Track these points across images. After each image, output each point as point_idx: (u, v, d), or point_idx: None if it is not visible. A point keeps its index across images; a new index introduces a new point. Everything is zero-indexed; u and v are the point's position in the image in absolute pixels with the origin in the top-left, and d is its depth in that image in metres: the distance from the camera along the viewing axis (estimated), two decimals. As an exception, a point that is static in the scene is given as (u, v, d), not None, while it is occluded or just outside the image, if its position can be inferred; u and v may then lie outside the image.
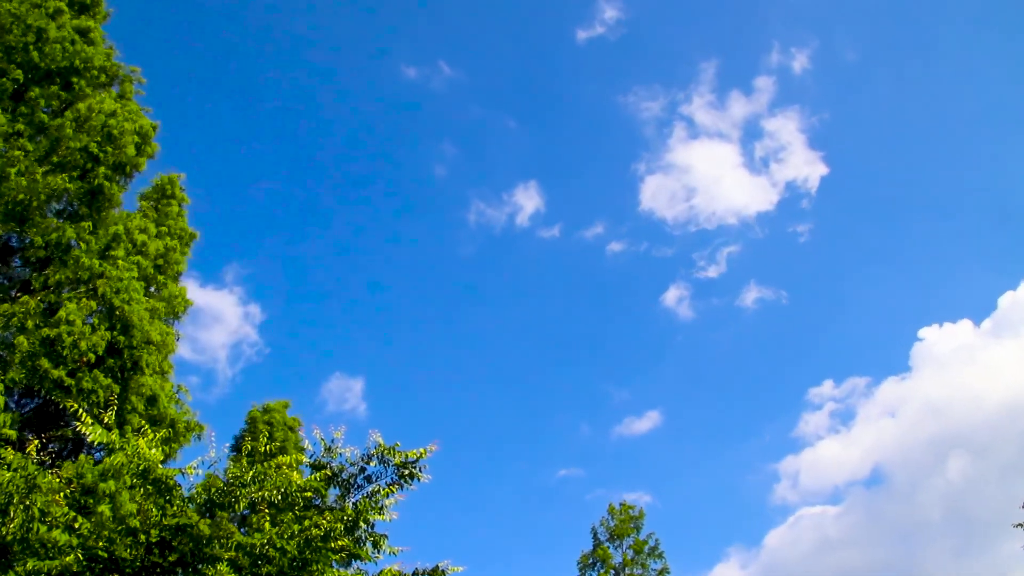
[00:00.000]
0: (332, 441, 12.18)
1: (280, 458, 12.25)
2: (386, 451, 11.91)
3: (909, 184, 78.68)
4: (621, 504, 38.45)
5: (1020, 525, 20.92)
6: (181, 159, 72.74)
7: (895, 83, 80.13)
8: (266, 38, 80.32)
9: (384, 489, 11.90)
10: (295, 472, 11.86)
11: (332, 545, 11.14)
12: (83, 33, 18.55)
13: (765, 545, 59.91)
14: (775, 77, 76.40)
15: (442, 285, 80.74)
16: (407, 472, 11.92)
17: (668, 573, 36.20)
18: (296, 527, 11.30)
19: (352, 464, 12.09)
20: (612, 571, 36.33)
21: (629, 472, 66.79)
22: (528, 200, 78.30)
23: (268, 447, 12.63)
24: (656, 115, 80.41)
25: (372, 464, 12.03)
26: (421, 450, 11.91)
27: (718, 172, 74.24)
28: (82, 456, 15.62)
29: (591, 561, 36.94)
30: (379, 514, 11.79)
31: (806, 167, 75.92)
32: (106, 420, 11.16)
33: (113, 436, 10.82)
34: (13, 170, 16.12)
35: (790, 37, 78.33)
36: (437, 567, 11.99)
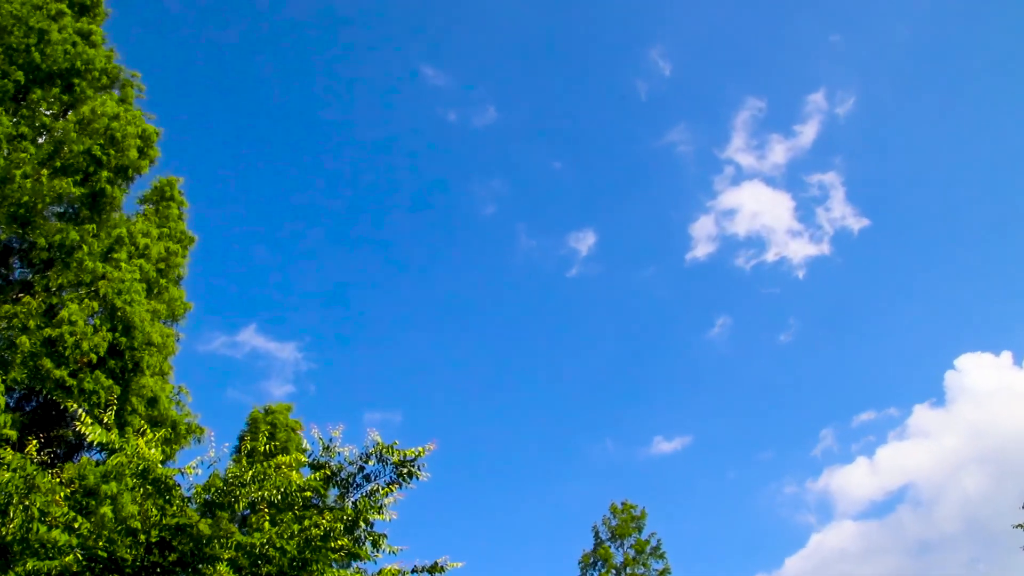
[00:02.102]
0: (330, 440, 12.21)
1: (280, 458, 12.29)
2: (384, 450, 11.93)
3: (948, 222, 79.25)
4: (623, 503, 38.32)
5: (1020, 526, 20.91)
6: (223, 194, 73.86)
7: (934, 122, 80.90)
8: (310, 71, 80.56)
9: (383, 488, 11.92)
10: (295, 472, 11.91)
11: (332, 545, 11.15)
12: (85, 36, 18.61)
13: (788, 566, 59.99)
14: (818, 121, 77.20)
15: (485, 315, 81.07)
16: (406, 471, 11.96)
17: (669, 573, 36.14)
18: (296, 527, 11.31)
19: (351, 463, 12.12)
20: (613, 571, 36.27)
21: (650, 489, 67.08)
22: (576, 239, 79.77)
23: (268, 447, 12.66)
24: (701, 158, 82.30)
25: (371, 463, 12.06)
26: (419, 449, 11.94)
27: (762, 214, 75.25)
28: (84, 458, 15.71)
29: (592, 560, 36.88)
30: (378, 513, 11.82)
31: (847, 209, 76.83)
32: (106, 420, 11.21)
33: (113, 436, 10.86)
34: (19, 172, 16.19)
35: (835, 82, 79.12)
36: (436, 563, 11.99)
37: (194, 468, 11.55)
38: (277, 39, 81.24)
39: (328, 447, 12.20)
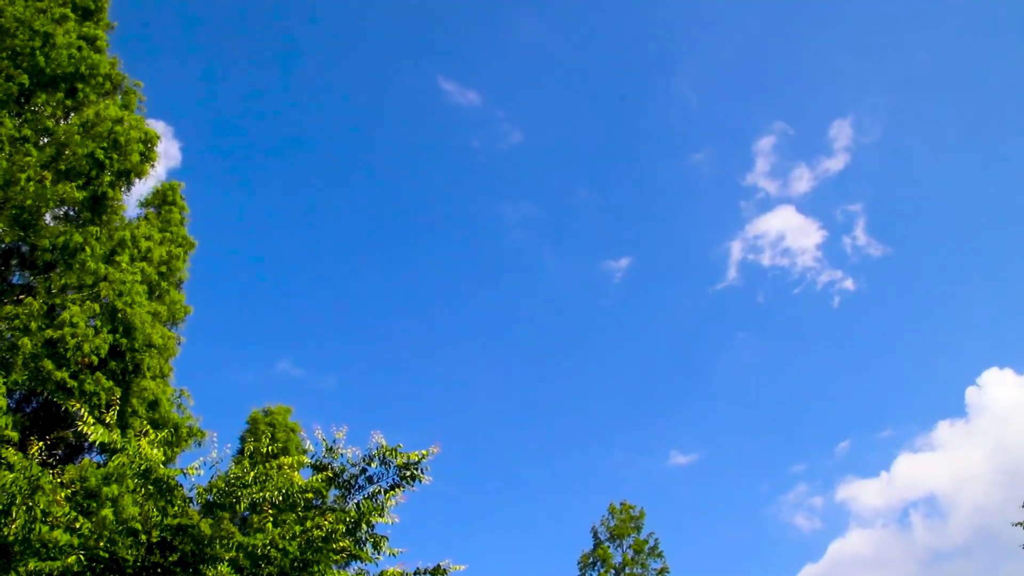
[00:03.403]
0: (334, 442, 12.24)
1: (282, 459, 12.35)
2: (388, 452, 11.96)
3: (973, 250, 79.66)
4: (622, 504, 38.34)
5: (1019, 524, 20.99)
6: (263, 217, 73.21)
7: (956, 144, 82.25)
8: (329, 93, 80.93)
9: (386, 490, 11.98)
10: (296, 473, 11.98)
11: (334, 546, 11.18)
12: (90, 41, 18.67)
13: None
14: (843, 148, 78.50)
15: (509, 333, 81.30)
16: (409, 474, 12.00)
17: (668, 573, 36.23)
18: (298, 528, 11.39)
19: (353, 465, 12.16)
20: (612, 571, 36.33)
21: (667, 499, 67.42)
22: (603, 263, 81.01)
23: (270, 448, 12.72)
24: (727, 183, 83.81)
25: (374, 465, 12.09)
26: (423, 452, 11.98)
27: (788, 240, 76.77)
28: (85, 460, 15.78)
29: (591, 560, 36.93)
30: (380, 516, 11.85)
31: (870, 235, 77.94)
32: (108, 421, 11.30)
33: (115, 436, 10.92)
34: (23, 175, 16.26)
35: (859, 109, 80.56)
36: (439, 566, 12.04)
37: (196, 469, 11.60)
38: (305, 59, 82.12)
39: (331, 448, 12.22)
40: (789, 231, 75.67)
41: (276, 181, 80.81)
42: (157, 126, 19.80)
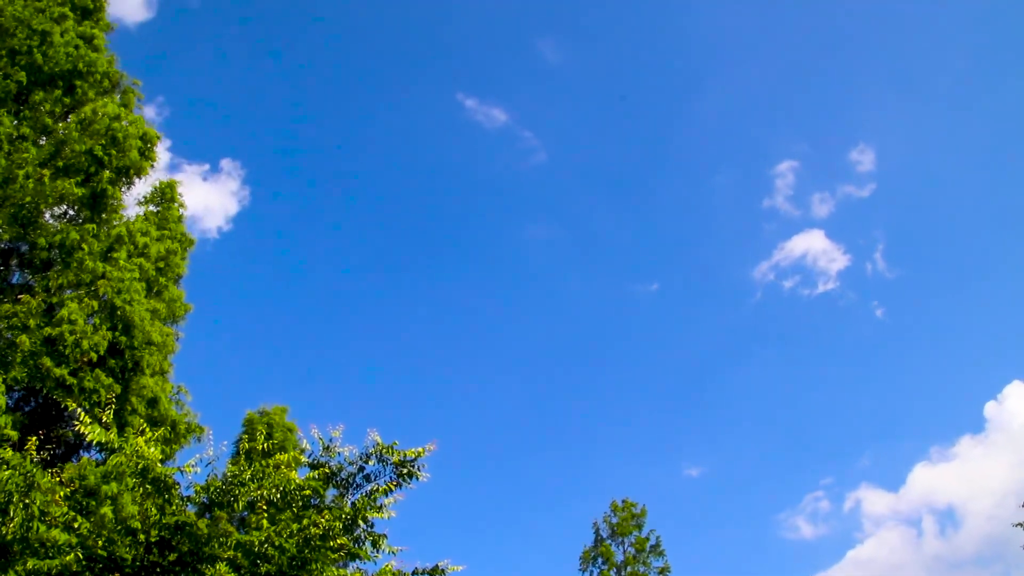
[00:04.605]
0: (330, 440, 12.21)
1: (278, 456, 12.32)
2: (384, 450, 11.94)
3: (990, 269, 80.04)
4: (624, 501, 38.25)
5: (1019, 525, 20.91)
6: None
7: (975, 165, 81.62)
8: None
9: (383, 488, 11.94)
10: (292, 472, 11.95)
11: (331, 544, 11.16)
12: (87, 39, 18.66)
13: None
14: (863, 172, 78.58)
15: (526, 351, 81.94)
16: (406, 471, 11.97)
17: (669, 571, 36.18)
18: (295, 526, 11.38)
19: (351, 463, 12.13)
20: (614, 568, 36.29)
21: (681, 509, 67.62)
22: (633, 281, 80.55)
23: (266, 445, 12.68)
24: (749, 206, 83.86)
25: (371, 463, 12.07)
26: (419, 449, 11.95)
27: (811, 260, 76.48)
28: (84, 458, 15.78)
29: (593, 557, 36.92)
30: (377, 512, 11.86)
31: (890, 257, 78.41)
32: (104, 419, 11.28)
33: (112, 435, 10.91)
34: (21, 173, 16.26)
35: (879, 133, 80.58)
36: (437, 566, 12.02)
37: (193, 466, 11.58)
38: (325, 74, 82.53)
39: (328, 447, 12.20)
40: (812, 254, 76.23)
41: (291, 191, 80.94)
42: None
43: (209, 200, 64.53)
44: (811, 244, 78.32)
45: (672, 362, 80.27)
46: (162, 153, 19.42)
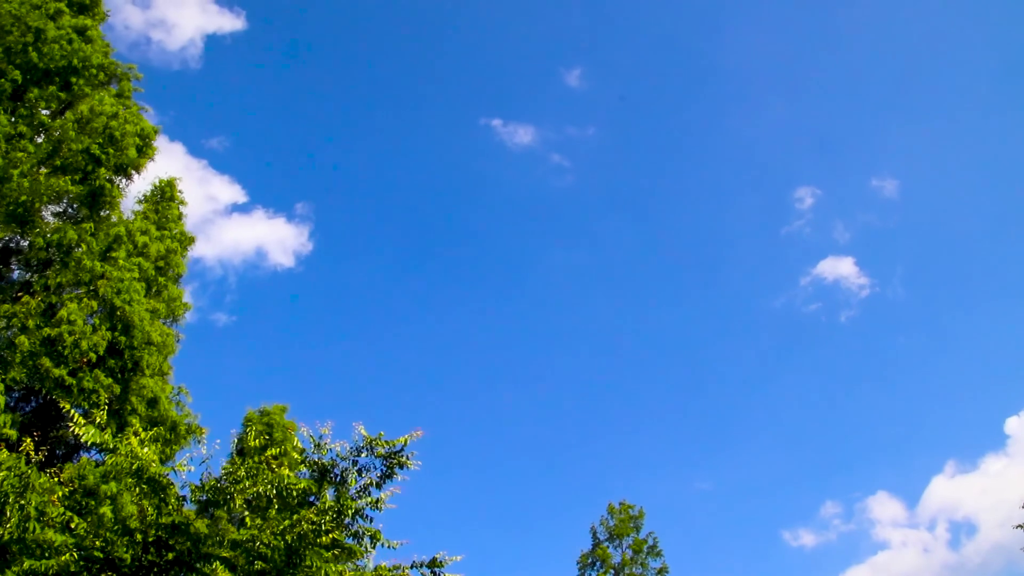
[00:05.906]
0: (320, 437, 12.21)
1: (270, 451, 12.29)
2: (372, 442, 11.97)
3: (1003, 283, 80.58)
4: (621, 503, 38.22)
5: (1020, 527, 20.89)
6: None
7: (992, 185, 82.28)
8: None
9: (376, 481, 11.95)
10: (285, 469, 11.92)
11: (324, 540, 11.12)
12: (80, 31, 18.57)
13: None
14: (881, 198, 79.48)
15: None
16: (395, 462, 11.99)
17: (667, 572, 36.14)
18: (287, 522, 11.33)
19: (343, 458, 12.12)
20: (611, 571, 36.22)
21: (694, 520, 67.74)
22: (651, 306, 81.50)
23: (258, 441, 12.60)
24: (769, 231, 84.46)
25: (363, 455, 12.07)
26: (404, 437, 11.97)
27: (828, 284, 77.30)
28: (84, 458, 15.72)
29: (590, 560, 36.85)
30: (373, 504, 11.81)
31: (909, 279, 79.35)
32: (98, 420, 11.21)
33: (106, 436, 10.88)
34: (16, 171, 16.18)
35: (900, 162, 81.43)
36: (435, 558, 11.99)
37: (186, 465, 11.55)
38: (353, 94, 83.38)
39: (319, 444, 12.20)
40: (833, 278, 77.03)
41: (313, 207, 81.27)
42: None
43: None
44: (835, 269, 78.99)
45: (692, 380, 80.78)
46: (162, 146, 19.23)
